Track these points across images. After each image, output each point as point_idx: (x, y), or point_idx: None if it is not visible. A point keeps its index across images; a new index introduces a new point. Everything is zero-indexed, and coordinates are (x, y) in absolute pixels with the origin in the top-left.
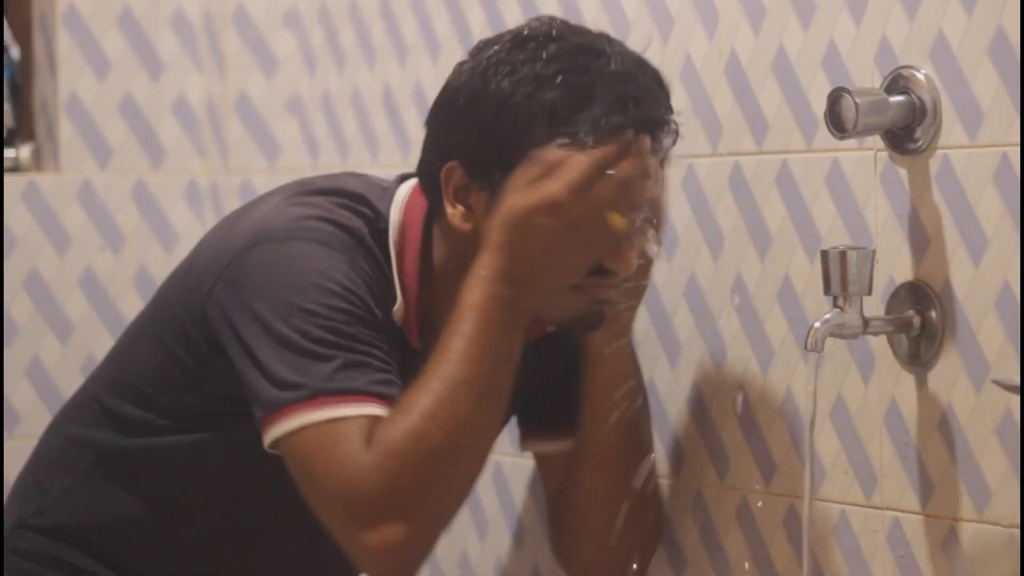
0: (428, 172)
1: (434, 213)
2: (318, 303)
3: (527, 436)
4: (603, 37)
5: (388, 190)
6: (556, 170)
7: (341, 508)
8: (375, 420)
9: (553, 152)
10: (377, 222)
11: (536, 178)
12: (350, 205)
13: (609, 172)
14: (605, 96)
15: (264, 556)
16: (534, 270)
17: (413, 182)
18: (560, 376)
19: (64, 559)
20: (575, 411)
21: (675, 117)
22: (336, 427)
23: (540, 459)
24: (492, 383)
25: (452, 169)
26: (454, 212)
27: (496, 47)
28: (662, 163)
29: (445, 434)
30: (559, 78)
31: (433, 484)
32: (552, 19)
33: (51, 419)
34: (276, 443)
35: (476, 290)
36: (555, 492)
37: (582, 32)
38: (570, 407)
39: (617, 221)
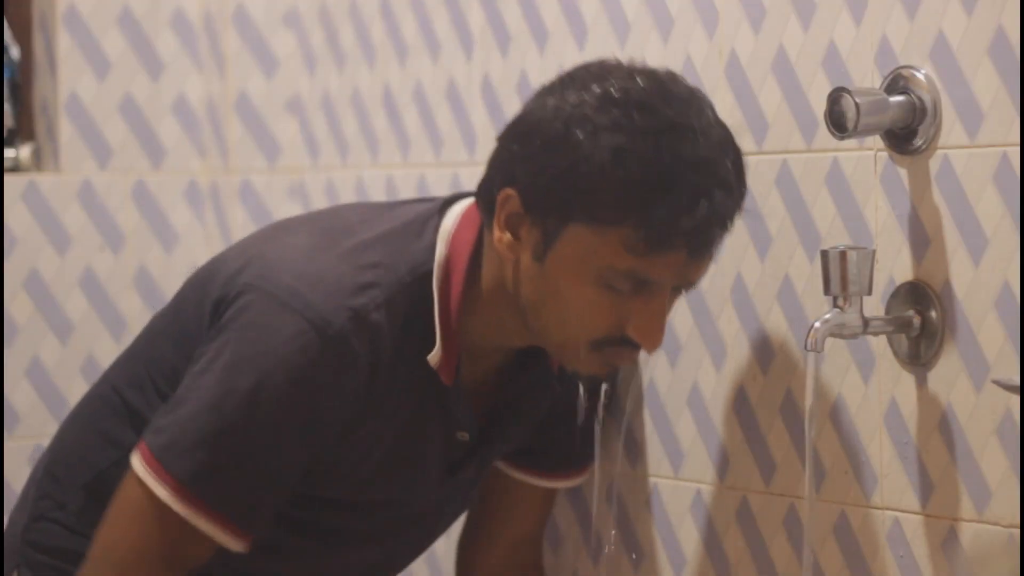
0: (488, 188)
1: (486, 225)
2: (250, 400)
3: (505, 459)
4: (692, 107)
5: (431, 222)
6: None
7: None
8: (209, 546)
9: None
10: (415, 269)
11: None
12: (379, 263)
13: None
14: (679, 186)
15: (284, 564)
16: None
17: (462, 208)
18: (550, 424)
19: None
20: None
21: (742, 195)
22: (175, 526)
23: (498, 475)
24: None
25: (509, 197)
26: (501, 237)
27: (584, 95)
28: (710, 256)
29: None
30: (637, 156)
31: None
32: (649, 80)
33: (68, 412)
34: (132, 468)
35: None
36: (490, 512)
37: (672, 100)
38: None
39: None
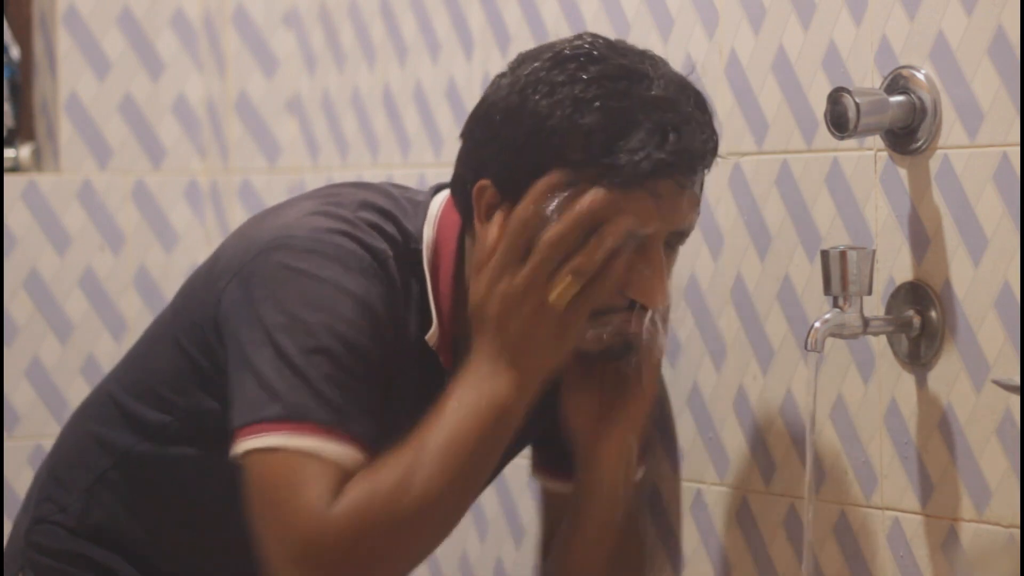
0: (461, 186)
1: (467, 226)
2: (325, 327)
3: (538, 468)
4: (646, 58)
5: (421, 205)
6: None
7: (289, 551)
8: (351, 467)
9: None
10: (408, 243)
11: (479, 263)
12: (378, 224)
13: (547, 214)
14: (644, 123)
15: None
16: (526, 357)
17: (446, 194)
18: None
19: (91, 557)
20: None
21: (715, 137)
22: (311, 462)
23: (544, 492)
24: (471, 474)
25: (484, 188)
26: (484, 233)
27: (536, 64)
28: (695, 199)
29: (414, 509)
30: (597, 102)
31: (389, 554)
32: (595, 38)
33: (67, 416)
34: (245, 455)
35: (472, 388)
36: (548, 529)
37: (624, 52)
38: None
39: (557, 294)
